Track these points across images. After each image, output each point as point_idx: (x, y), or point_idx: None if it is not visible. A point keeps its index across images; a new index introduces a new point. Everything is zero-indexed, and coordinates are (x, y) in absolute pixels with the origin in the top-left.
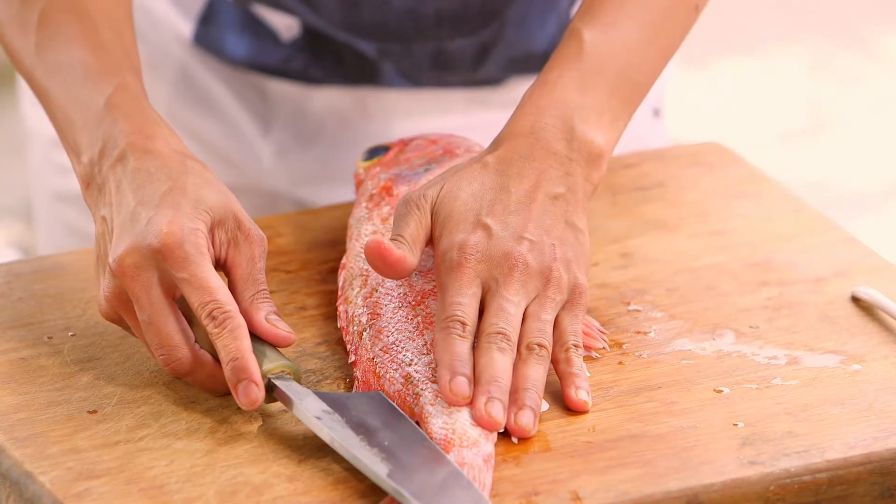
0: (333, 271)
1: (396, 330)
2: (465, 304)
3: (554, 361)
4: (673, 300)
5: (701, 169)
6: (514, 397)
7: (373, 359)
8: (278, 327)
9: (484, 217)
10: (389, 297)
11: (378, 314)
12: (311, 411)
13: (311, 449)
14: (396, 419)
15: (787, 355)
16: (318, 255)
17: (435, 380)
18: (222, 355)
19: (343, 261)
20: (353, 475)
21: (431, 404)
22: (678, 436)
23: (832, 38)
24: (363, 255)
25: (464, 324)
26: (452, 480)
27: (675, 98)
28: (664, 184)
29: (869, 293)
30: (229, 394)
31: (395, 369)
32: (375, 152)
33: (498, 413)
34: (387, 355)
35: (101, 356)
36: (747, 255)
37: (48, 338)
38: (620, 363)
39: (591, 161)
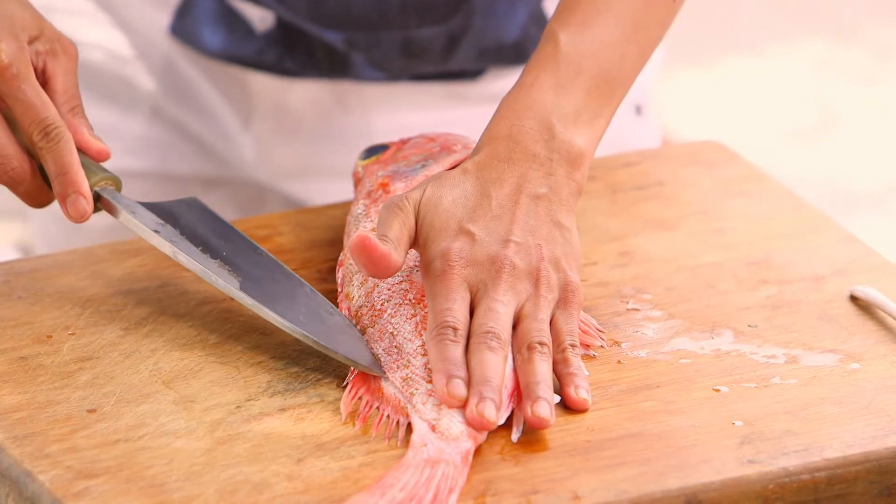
0: (333, 270)
1: (398, 332)
2: (455, 308)
3: (552, 363)
4: (672, 299)
5: (700, 167)
6: (527, 392)
7: (377, 356)
8: (100, 140)
9: (466, 223)
10: (390, 293)
11: (381, 311)
12: (147, 224)
13: (310, 448)
14: (223, 227)
15: (786, 354)
16: (318, 254)
17: (430, 379)
18: (51, 168)
19: (341, 257)
20: (353, 473)
21: (423, 403)
22: (677, 434)
23: (838, 36)
24: None
25: (455, 329)
26: (297, 289)
27: (681, 97)
28: (663, 182)
29: (867, 292)
30: (49, 204)
31: (396, 370)
32: (374, 151)
33: (490, 412)
34: (389, 357)
35: (100, 355)
36: (746, 253)
37: (47, 337)
38: (619, 362)
39: (572, 161)
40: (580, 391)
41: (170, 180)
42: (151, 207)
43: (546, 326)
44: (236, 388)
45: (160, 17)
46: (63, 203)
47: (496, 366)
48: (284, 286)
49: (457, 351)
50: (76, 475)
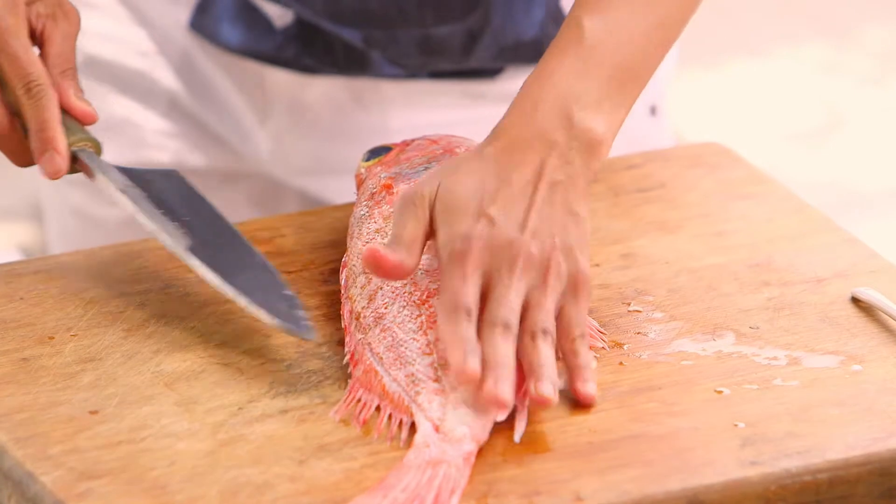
0: (335, 272)
1: (401, 330)
2: (470, 292)
3: (562, 353)
4: (674, 301)
5: (702, 170)
6: (531, 372)
7: (379, 354)
8: (85, 103)
9: (487, 207)
10: (394, 295)
11: (383, 313)
12: (115, 184)
13: (312, 449)
14: (194, 198)
15: (788, 356)
16: (320, 256)
17: (435, 378)
18: (31, 125)
19: (344, 259)
20: (355, 475)
21: (429, 402)
22: (679, 436)
23: (843, 39)
24: None
25: (469, 310)
26: (248, 258)
27: (685, 99)
28: (665, 184)
29: (869, 294)
30: (34, 164)
31: (399, 368)
32: (377, 153)
33: (506, 392)
34: (391, 353)
35: (102, 356)
36: (748, 255)
37: (50, 338)
38: (621, 364)
39: (591, 149)
40: (588, 385)
41: (186, 175)
42: (126, 172)
43: (551, 316)
44: (238, 390)
45: (179, 13)
46: (39, 159)
47: (509, 353)
48: (236, 254)
49: (471, 331)
50: (78, 477)
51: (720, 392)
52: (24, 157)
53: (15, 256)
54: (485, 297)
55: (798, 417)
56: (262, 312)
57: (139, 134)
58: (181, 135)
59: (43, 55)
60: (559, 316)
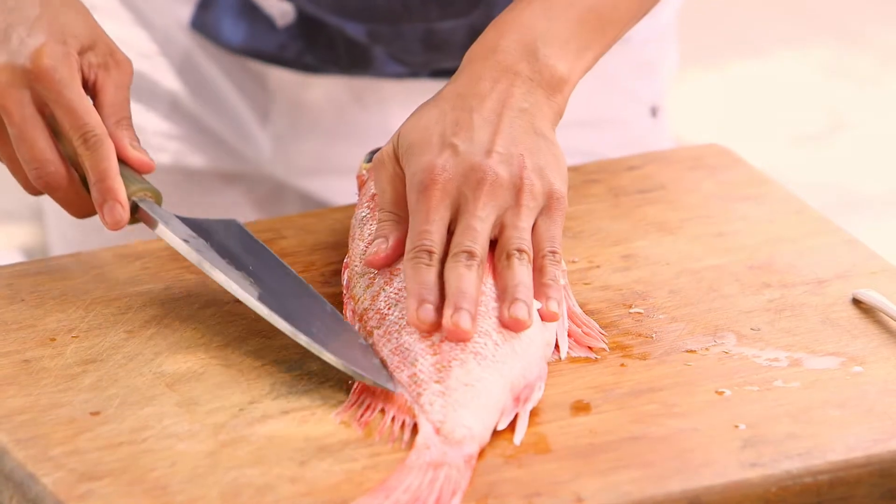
0: (337, 273)
1: (405, 333)
2: (433, 231)
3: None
4: (674, 302)
5: (703, 171)
6: (504, 295)
7: (383, 355)
8: (142, 152)
9: (449, 137)
10: (397, 297)
11: (387, 314)
12: (178, 234)
13: (314, 451)
14: (255, 246)
15: (789, 357)
16: (321, 258)
17: (437, 379)
18: (90, 176)
19: (346, 260)
20: (356, 476)
21: (431, 404)
22: (679, 437)
23: (845, 41)
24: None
25: (430, 252)
26: (318, 307)
27: (686, 100)
28: (665, 186)
29: (870, 295)
30: (92, 214)
31: (403, 369)
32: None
33: (465, 322)
34: (396, 356)
35: (103, 358)
36: (749, 257)
37: (51, 339)
38: (622, 365)
39: (553, 85)
40: (551, 304)
41: (188, 175)
42: (187, 221)
43: (527, 234)
44: (240, 391)
45: (181, 12)
46: (100, 210)
47: (472, 281)
48: (304, 302)
49: (430, 274)
50: (79, 478)
51: (721, 393)
52: (82, 208)
53: (16, 258)
54: (454, 228)
55: (799, 419)
56: (341, 362)
57: (140, 136)
58: (182, 136)
59: (96, 105)
60: (532, 233)
